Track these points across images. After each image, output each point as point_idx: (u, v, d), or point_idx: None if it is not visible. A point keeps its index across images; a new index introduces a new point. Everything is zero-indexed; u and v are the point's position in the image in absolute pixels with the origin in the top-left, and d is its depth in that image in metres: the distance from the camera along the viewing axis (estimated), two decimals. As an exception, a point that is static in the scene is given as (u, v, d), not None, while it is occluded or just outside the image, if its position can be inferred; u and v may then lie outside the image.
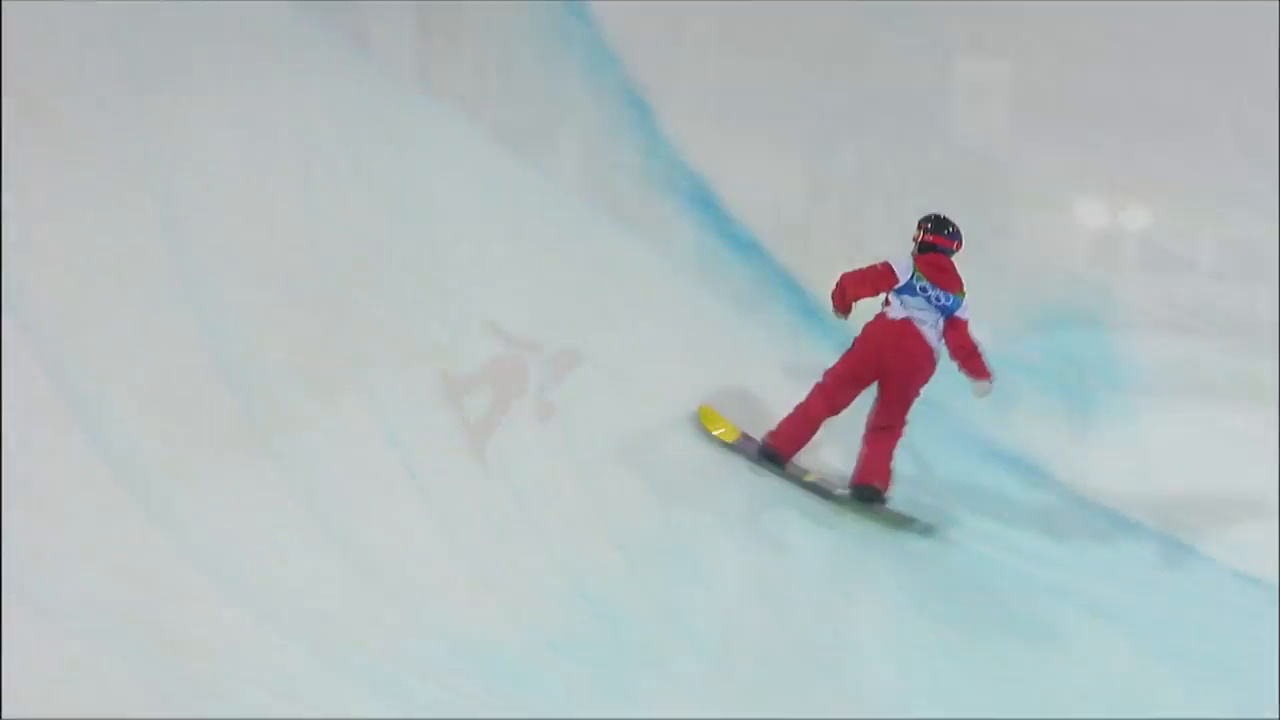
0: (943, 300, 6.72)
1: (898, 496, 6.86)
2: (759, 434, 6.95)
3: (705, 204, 7.98)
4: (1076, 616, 6.52)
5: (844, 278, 6.77)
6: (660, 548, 6.27)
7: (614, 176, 7.92)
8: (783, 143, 8.18)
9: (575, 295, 7.24)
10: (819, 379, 6.84)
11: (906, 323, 6.67)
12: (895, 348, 6.68)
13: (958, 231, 6.89)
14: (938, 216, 6.91)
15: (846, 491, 6.77)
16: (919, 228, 6.89)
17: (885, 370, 6.70)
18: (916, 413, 6.86)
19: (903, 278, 6.73)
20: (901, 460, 6.91)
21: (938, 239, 6.83)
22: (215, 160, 6.60)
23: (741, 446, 6.93)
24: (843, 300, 6.77)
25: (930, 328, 6.70)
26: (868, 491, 6.73)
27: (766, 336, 7.67)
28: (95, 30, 6.58)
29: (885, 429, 6.76)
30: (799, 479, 6.86)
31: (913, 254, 6.84)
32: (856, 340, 6.78)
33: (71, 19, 6.51)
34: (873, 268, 6.77)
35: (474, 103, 7.89)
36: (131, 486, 5.37)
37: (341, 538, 5.64)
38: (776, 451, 6.84)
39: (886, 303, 6.76)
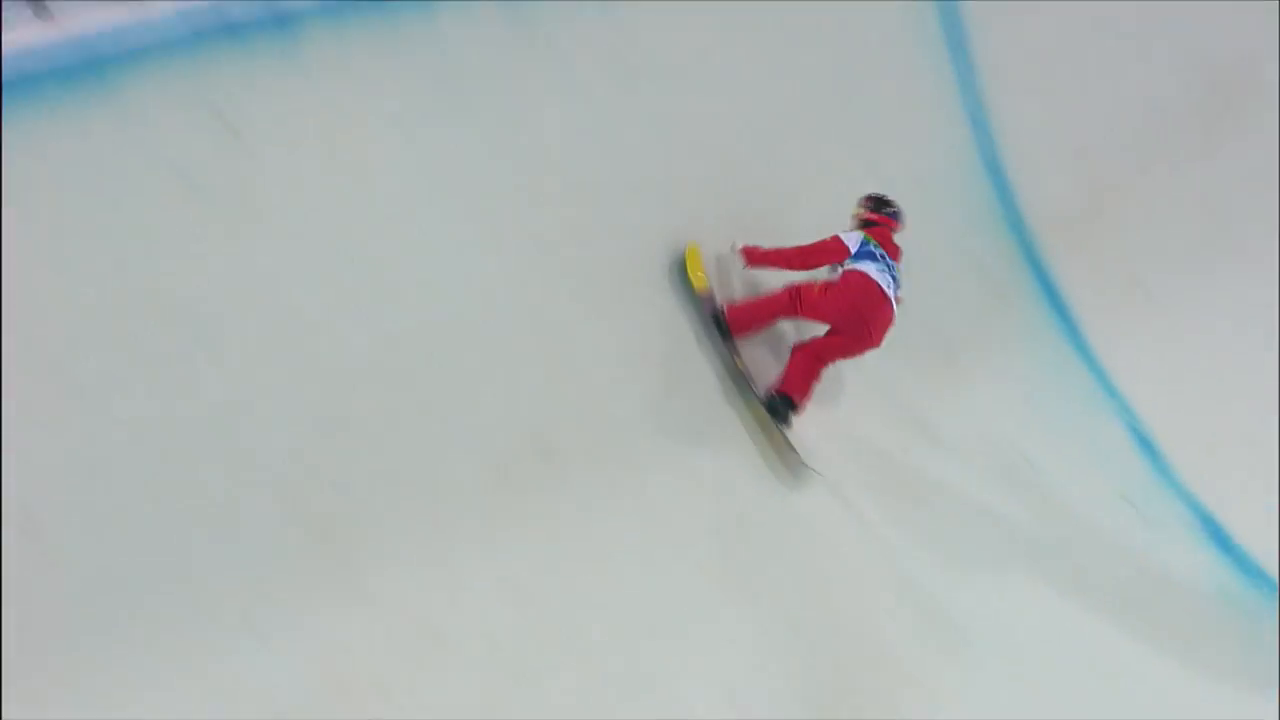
0: (894, 271, 6.78)
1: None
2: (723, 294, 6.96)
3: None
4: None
5: (794, 256, 6.80)
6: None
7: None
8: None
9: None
10: (791, 283, 6.83)
11: (884, 293, 6.72)
12: (873, 313, 6.72)
13: (899, 212, 6.97)
14: (879, 195, 7.00)
15: (762, 395, 6.78)
16: (860, 205, 6.97)
17: (854, 325, 6.73)
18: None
19: (853, 248, 6.78)
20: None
21: (879, 217, 6.92)
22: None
23: (702, 299, 6.89)
24: (787, 268, 6.83)
25: (893, 294, 6.75)
26: (786, 401, 6.73)
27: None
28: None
29: (818, 360, 6.80)
30: (733, 359, 6.86)
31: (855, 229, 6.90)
32: (840, 285, 6.75)
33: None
34: (823, 242, 6.82)
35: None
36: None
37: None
38: (729, 326, 6.86)
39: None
